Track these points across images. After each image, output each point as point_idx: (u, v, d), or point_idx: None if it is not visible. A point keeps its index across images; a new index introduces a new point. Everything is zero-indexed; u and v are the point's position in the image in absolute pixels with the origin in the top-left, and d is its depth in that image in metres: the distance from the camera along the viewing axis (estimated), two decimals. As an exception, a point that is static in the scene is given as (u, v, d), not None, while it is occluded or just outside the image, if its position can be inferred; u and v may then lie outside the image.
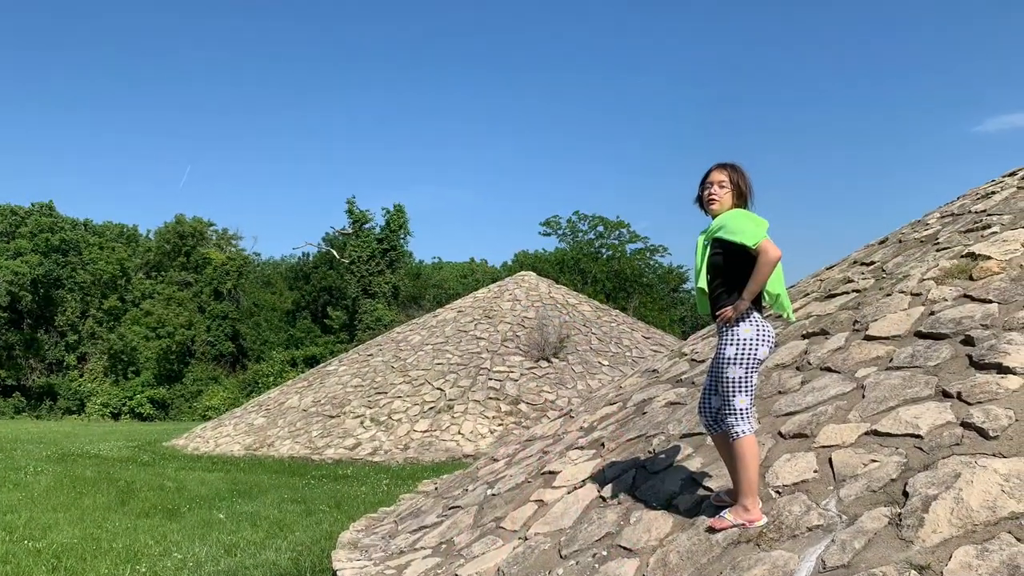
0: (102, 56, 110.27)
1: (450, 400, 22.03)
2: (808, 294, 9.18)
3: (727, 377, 4.90)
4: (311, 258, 65.11)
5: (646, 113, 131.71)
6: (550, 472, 7.54)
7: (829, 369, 6.42)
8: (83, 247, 59.80)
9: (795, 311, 8.37)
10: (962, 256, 7.10)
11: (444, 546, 7.24)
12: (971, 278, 6.61)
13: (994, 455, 4.33)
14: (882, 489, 4.52)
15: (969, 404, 4.85)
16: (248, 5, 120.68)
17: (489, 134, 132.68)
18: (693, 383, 8.15)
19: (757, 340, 4.88)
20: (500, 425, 20.82)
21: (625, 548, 5.40)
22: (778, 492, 5.04)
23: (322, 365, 30.69)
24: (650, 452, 6.77)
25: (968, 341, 5.60)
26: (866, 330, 6.72)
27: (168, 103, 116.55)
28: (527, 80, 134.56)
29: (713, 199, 5.12)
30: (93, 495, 14.03)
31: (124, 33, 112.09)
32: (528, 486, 7.55)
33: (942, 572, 3.76)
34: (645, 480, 6.25)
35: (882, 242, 9.87)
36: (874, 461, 4.79)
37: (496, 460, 10.04)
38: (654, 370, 10.04)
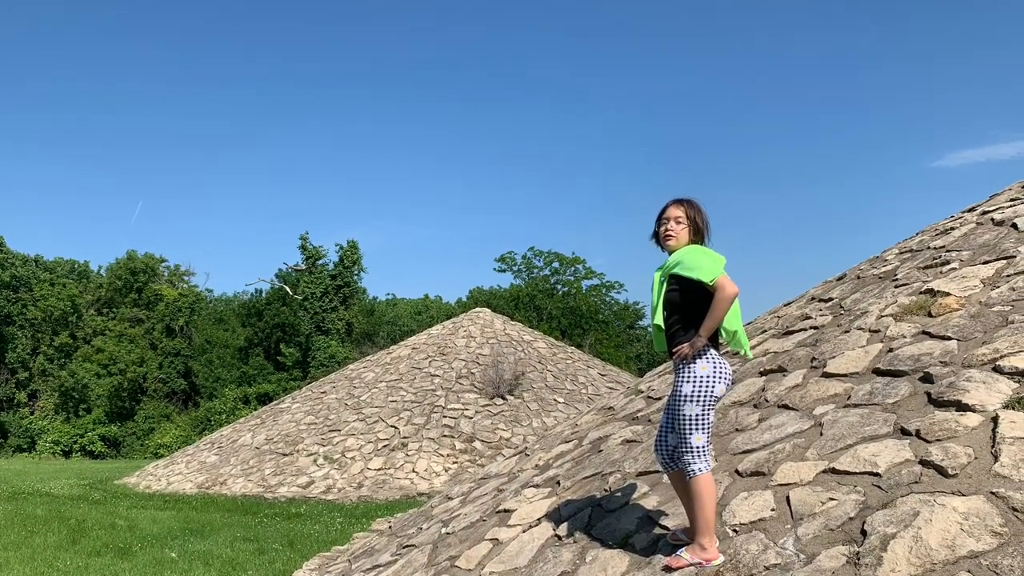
0: (50, 89, 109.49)
1: (404, 438, 21.86)
2: (766, 331, 9.19)
3: (684, 414, 4.84)
4: (264, 295, 64.58)
5: (602, 148, 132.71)
6: (505, 510, 7.45)
7: (787, 407, 6.39)
8: (34, 283, 58.92)
9: (753, 348, 8.36)
10: (921, 293, 7.12)
11: (396, 587, 7.12)
12: (930, 315, 6.62)
13: (953, 493, 4.30)
14: (840, 528, 4.47)
15: (928, 442, 4.82)
16: (197, 39, 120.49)
17: (444, 171, 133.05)
18: (649, 420, 8.10)
19: (714, 377, 4.83)
20: (455, 463, 20.67)
21: (581, 588, 5.30)
22: (735, 531, 4.97)
23: (275, 402, 30.38)
24: (606, 490, 6.70)
25: (927, 378, 5.59)
26: (824, 367, 6.71)
27: (120, 138, 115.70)
28: (481, 115, 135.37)
29: (670, 235, 5.08)
30: (44, 534, 13.75)
31: (73, 67, 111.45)
32: (483, 524, 7.44)
33: (903, 612, 3.71)
34: (601, 518, 6.17)
35: (840, 278, 9.92)
36: (832, 499, 4.74)
37: (451, 498, 9.93)
38: (610, 407, 9.99)
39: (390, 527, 10.59)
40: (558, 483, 7.59)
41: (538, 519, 6.82)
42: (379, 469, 20.78)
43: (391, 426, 22.56)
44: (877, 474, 4.77)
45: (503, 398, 23.61)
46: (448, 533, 7.79)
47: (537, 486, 7.83)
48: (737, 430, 6.45)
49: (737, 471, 5.70)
